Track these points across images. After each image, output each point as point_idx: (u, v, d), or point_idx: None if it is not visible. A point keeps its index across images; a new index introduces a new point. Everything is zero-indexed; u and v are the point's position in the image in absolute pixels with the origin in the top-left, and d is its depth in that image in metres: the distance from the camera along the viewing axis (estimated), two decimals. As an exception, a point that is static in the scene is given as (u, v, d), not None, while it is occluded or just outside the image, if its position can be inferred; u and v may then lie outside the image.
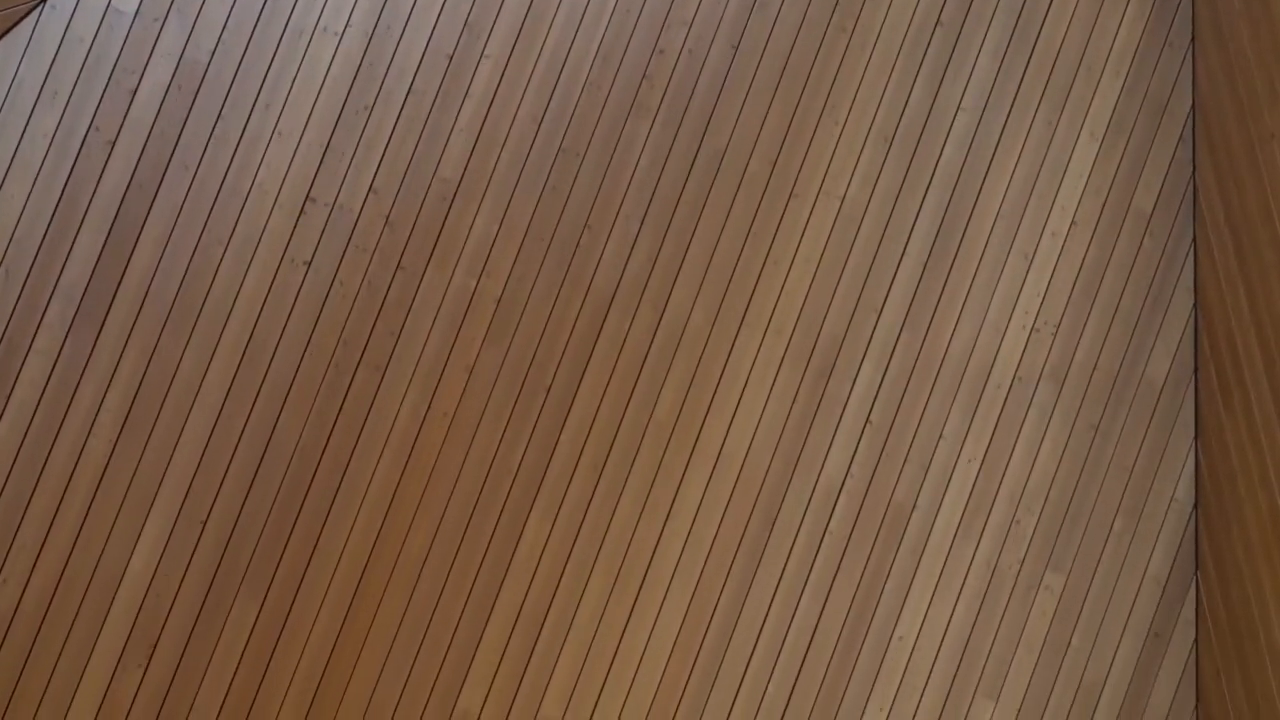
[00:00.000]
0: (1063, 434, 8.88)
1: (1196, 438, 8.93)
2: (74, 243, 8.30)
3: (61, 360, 8.24)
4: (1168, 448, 8.93)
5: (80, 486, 8.22)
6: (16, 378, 8.21)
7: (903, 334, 8.78)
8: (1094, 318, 8.92)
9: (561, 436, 8.56)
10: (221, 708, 8.29)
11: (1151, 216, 9.00)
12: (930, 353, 8.79)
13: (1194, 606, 8.94)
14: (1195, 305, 8.97)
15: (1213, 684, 8.80)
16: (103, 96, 8.35)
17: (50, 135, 8.32)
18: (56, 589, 8.18)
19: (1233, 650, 8.54)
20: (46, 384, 8.23)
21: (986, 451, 8.83)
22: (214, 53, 8.45)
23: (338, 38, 8.52)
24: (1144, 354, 8.95)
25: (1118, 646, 8.92)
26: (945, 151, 8.89)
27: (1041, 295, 8.88)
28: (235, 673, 8.30)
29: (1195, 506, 8.94)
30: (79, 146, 8.34)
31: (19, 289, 8.26)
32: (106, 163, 8.34)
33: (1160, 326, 8.95)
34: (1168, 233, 9.00)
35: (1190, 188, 8.98)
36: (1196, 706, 8.96)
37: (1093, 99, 8.99)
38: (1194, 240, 8.99)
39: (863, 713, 8.72)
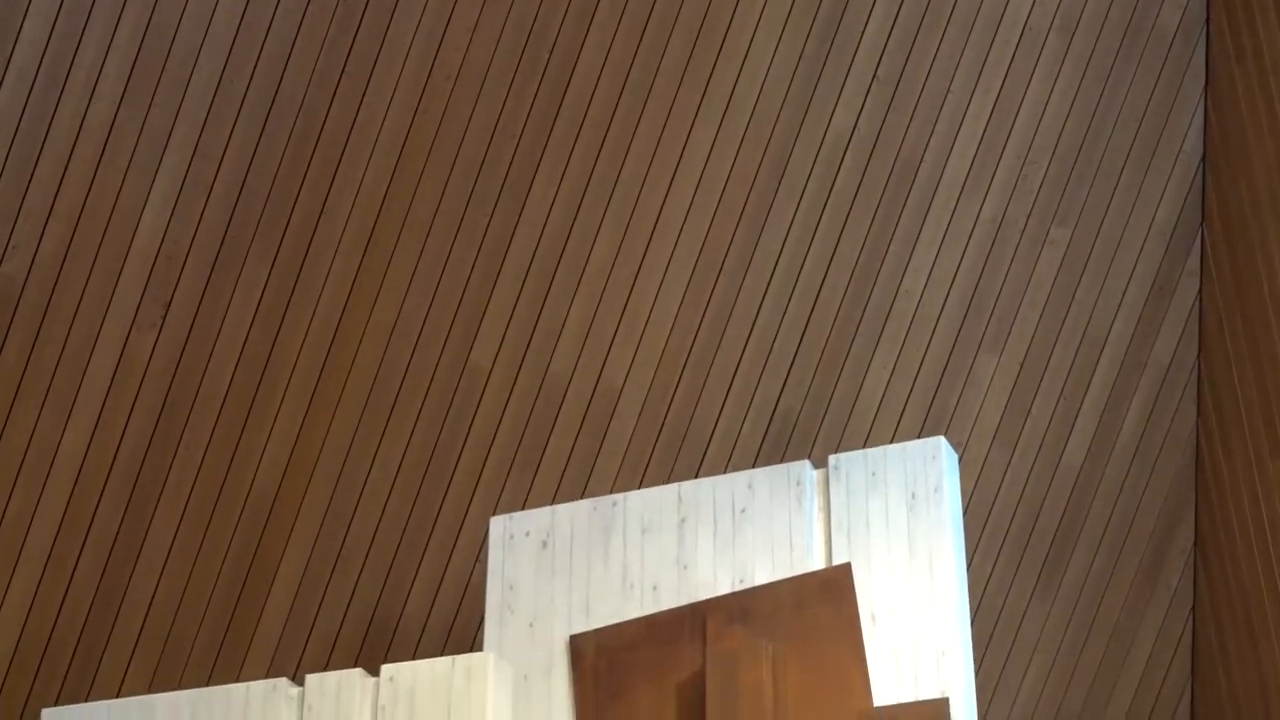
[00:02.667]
0: (1072, 85, 8.80)
1: (1206, 88, 8.86)
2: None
3: (62, 14, 8.13)
4: (1177, 99, 8.86)
5: (85, 151, 8.18)
6: (16, 39, 8.11)
7: (912, -18, 8.66)
8: (1106, -35, 8.79)
9: (568, 89, 8.49)
10: (237, 366, 8.38)
11: None
12: (940, 2, 8.66)
13: (1199, 258, 8.97)
14: (1208, -48, 8.83)
15: (1215, 335, 8.89)
16: None
17: None
18: (66, 254, 8.20)
19: (1236, 301, 8.59)
20: (46, 46, 8.14)
21: (995, 104, 8.76)
22: None
23: None
24: (1155, 1, 8.82)
25: (1122, 299, 8.98)
26: None
27: (1053, -57, 8.74)
28: (249, 331, 8.37)
29: (1203, 158, 8.91)
30: None
31: (12, -52, 8.12)
32: None
33: (1173, -26, 8.82)
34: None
35: None
36: (1198, 357, 9.06)
37: None
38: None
39: (868, 366, 8.82)
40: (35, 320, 8.18)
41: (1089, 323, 8.95)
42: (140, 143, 8.21)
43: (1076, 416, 8.97)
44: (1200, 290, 8.99)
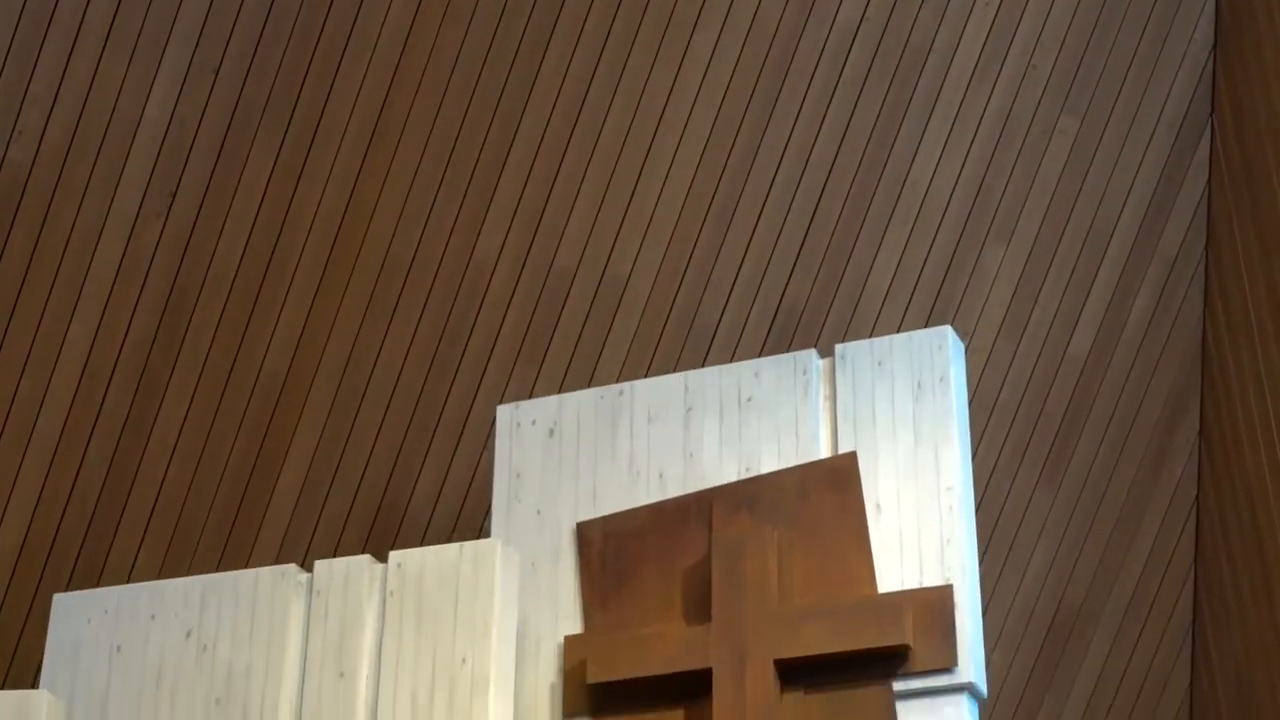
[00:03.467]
0: (1082, -27, 8.73)
1: (1218, -25, 8.80)
2: None
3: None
4: (1188, -13, 8.80)
5: (89, 36, 8.13)
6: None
7: None
8: None
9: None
10: (243, 255, 8.38)
11: None
12: (949, -110, 8.59)
13: (1208, 149, 8.93)
14: None
15: (1223, 226, 8.87)
16: None
17: None
18: (72, 141, 8.17)
19: (1245, 192, 8.56)
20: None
21: (1005, -8, 8.71)
22: None
23: None
24: (1167, -112, 8.74)
25: (1130, 189, 8.95)
26: None
27: None
28: (255, 221, 8.36)
29: (1213, 48, 8.84)
30: None
31: None
32: None
33: None
34: None
35: None
36: (1206, 248, 9.05)
37: None
38: None
39: (875, 256, 8.81)
40: (42, 206, 8.16)
41: (1096, 213, 8.93)
42: (145, 30, 8.15)
43: (1083, 307, 8.96)
44: (1209, 181, 8.95)
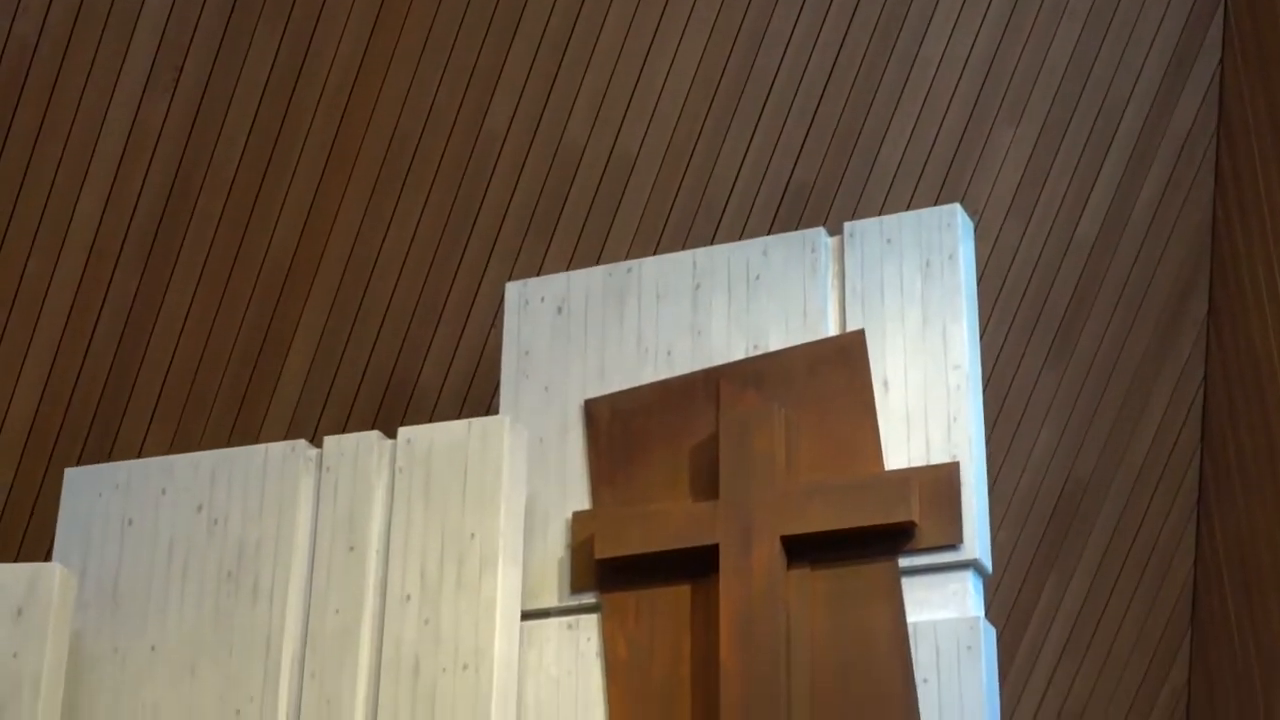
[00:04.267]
0: None
1: None
2: None
3: None
4: None
5: (94, -90, 8.07)
6: None
7: None
8: None
9: None
10: (251, 131, 8.34)
11: None
12: None
13: (1220, 29, 8.85)
14: None
15: (1235, 106, 8.81)
16: None
17: None
18: (77, 15, 8.10)
19: (1258, 72, 8.50)
20: None
21: None
22: None
23: None
24: None
25: (1141, 69, 8.88)
26: None
27: None
28: (262, 96, 8.31)
29: (1227, -75, 8.76)
30: None
31: None
32: None
33: None
34: None
35: None
36: (1217, 128, 8.99)
37: None
38: None
39: (884, 134, 8.77)
40: (48, 82, 8.11)
41: (1107, 94, 8.86)
42: (149, -97, 8.09)
43: (1093, 186, 8.93)
44: (1221, 61, 8.88)
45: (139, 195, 8.28)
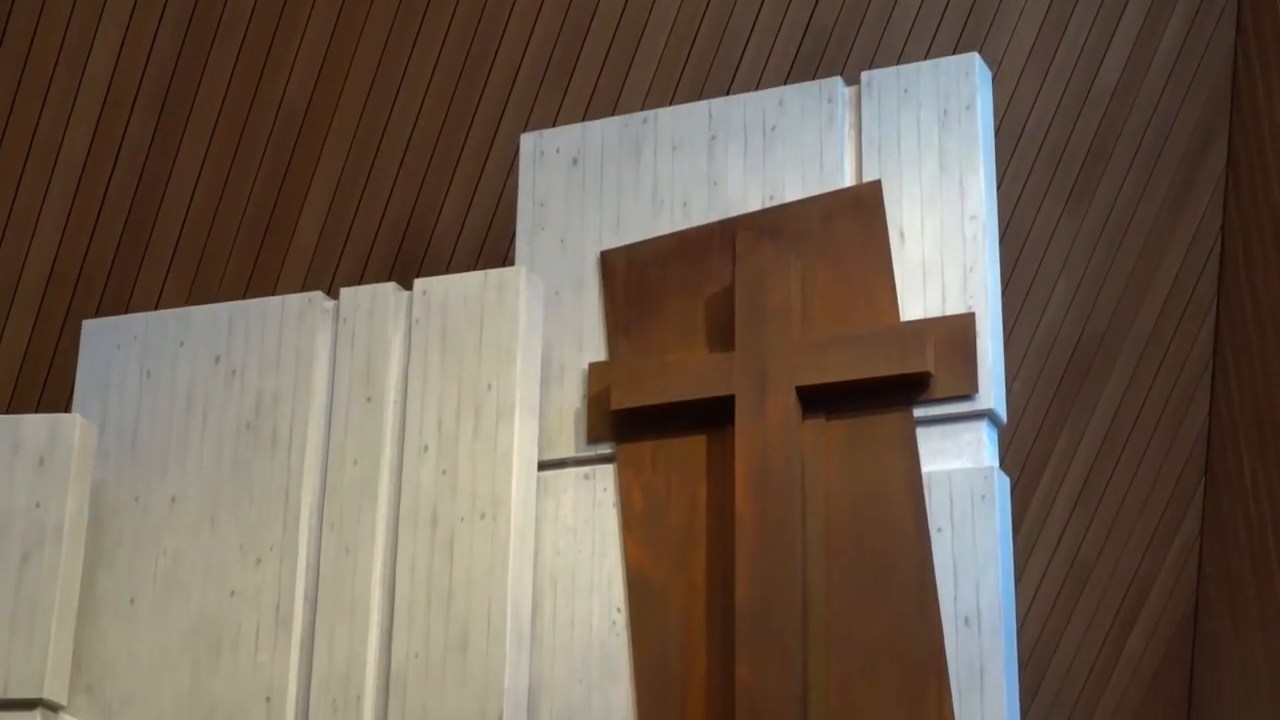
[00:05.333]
0: None
1: None
2: None
3: None
4: None
5: None
6: None
7: None
8: None
9: None
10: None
11: None
12: None
13: (1244, -127, 8.74)
14: None
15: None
16: None
17: None
18: None
19: (1281, -81, 8.39)
20: None
21: None
22: None
23: None
24: None
25: None
26: None
27: None
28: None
29: None
30: None
31: None
32: None
33: None
34: None
35: None
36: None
37: None
38: None
39: None
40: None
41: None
42: None
43: (1112, 35, 8.83)
44: None
45: (152, 44, 8.22)
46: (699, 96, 8.38)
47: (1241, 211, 8.96)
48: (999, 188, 7.49)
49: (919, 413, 6.33)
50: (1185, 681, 9.69)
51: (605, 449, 6.77)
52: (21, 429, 6.76)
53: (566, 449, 6.82)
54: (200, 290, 8.41)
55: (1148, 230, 9.09)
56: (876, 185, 6.61)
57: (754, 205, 6.79)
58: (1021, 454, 9.20)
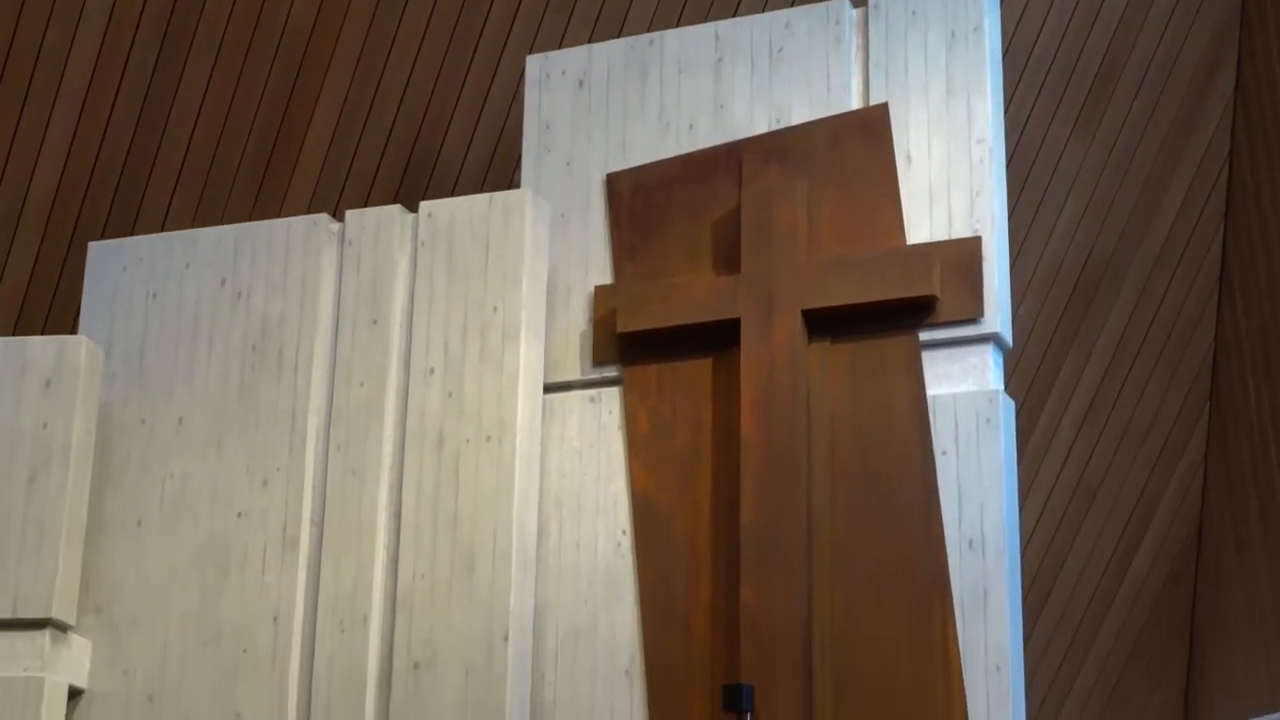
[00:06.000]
0: None
1: None
2: None
3: None
4: None
5: None
6: None
7: None
8: None
9: None
10: None
11: None
12: None
13: None
14: None
15: None
16: None
17: None
18: None
19: None
20: None
21: None
22: None
23: None
24: None
25: None
26: None
27: None
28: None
29: None
30: None
31: None
32: None
33: None
34: None
35: None
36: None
37: None
38: None
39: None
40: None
41: None
42: None
43: (1123, -44, 8.78)
44: None
45: (157, -35, 8.19)
46: (705, 19, 8.32)
47: (1250, 134, 8.92)
48: (1006, 110, 7.45)
49: (924, 336, 6.34)
50: (1188, 603, 9.73)
51: (611, 372, 6.78)
52: (28, 351, 6.77)
53: (572, 372, 6.83)
54: (205, 212, 8.39)
55: (1156, 153, 9.05)
56: (883, 108, 6.58)
57: (760, 128, 6.77)
58: (1027, 377, 9.21)
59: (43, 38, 8.16)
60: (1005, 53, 8.14)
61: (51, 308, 8.40)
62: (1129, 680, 9.83)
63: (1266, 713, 9.11)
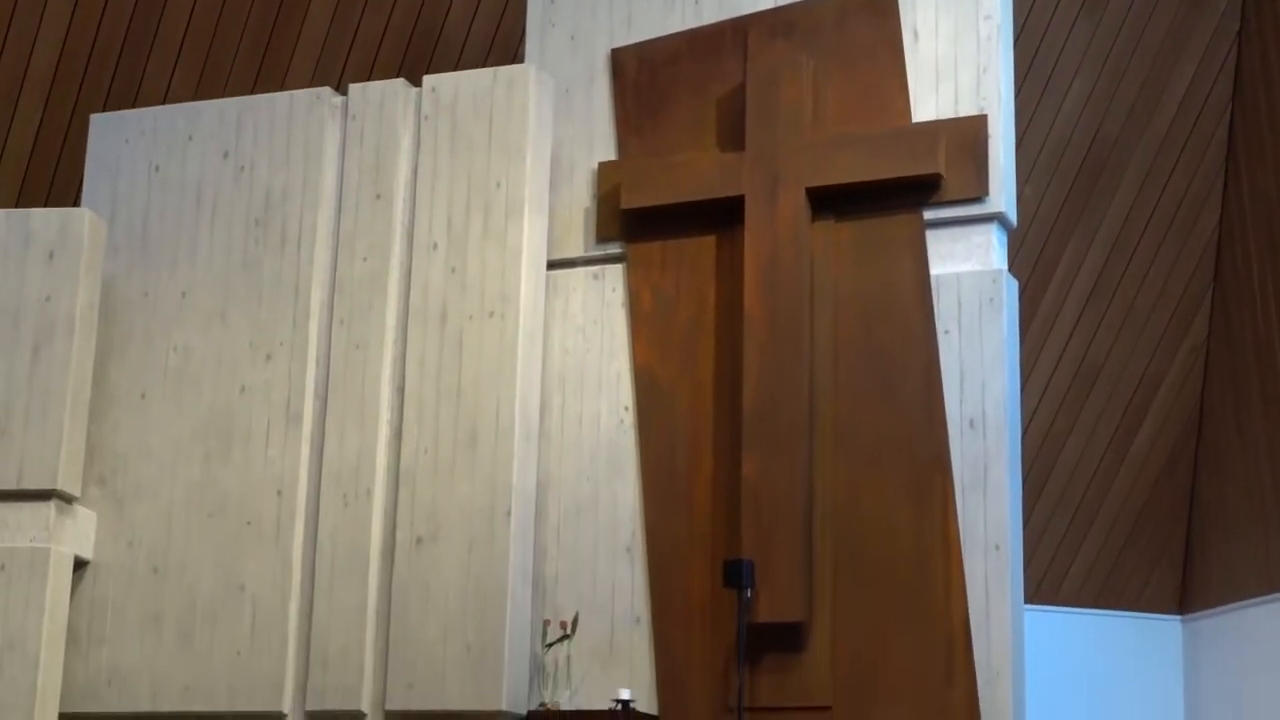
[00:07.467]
0: None
1: None
2: None
3: None
4: None
5: None
6: None
7: None
8: None
9: None
10: None
11: None
12: None
13: None
14: None
15: None
16: None
17: None
18: None
19: None
20: None
21: None
22: None
23: None
24: None
25: None
26: None
27: None
28: None
29: None
30: None
31: None
32: None
33: None
34: None
35: None
36: None
37: None
38: None
39: None
40: None
41: None
42: None
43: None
44: None
45: None
46: (712, -109, 8.23)
47: (1260, 14, 8.83)
48: (1014, -13, 7.37)
49: (929, 215, 6.33)
50: (1188, 486, 9.76)
51: (615, 248, 6.78)
52: (31, 223, 6.77)
53: (576, 248, 6.83)
54: (208, 84, 8.33)
55: (1164, 33, 8.95)
56: (891, -16, 6.53)
57: (767, 3, 6.71)
58: (1031, 257, 9.18)
59: (43, -93, 8.08)
60: (1015, -72, 8.06)
61: (54, 180, 8.36)
62: (1126, 562, 9.88)
63: (1264, 595, 9.18)
